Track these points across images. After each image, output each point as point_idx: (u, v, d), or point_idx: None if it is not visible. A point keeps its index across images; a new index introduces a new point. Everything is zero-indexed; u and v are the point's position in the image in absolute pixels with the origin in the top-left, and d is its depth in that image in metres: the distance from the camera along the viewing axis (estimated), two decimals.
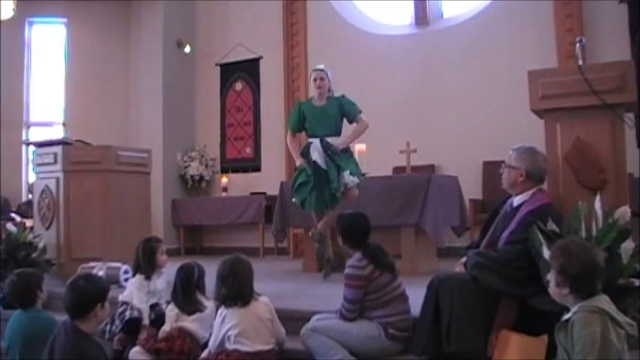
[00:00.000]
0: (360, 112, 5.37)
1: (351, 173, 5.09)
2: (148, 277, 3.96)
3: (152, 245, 4.05)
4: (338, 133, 5.35)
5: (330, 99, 5.38)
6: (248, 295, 3.35)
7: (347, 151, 5.30)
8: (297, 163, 5.29)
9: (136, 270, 4.02)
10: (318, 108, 5.35)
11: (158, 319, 3.81)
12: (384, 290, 3.28)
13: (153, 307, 3.92)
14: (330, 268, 5.26)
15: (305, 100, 5.65)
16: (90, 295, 2.91)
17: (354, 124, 5.45)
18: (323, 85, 5.34)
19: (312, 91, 5.55)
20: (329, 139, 5.25)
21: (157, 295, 3.99)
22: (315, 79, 5.36)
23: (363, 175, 5.24)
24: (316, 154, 5.19)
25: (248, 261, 3.46)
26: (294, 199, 5.36)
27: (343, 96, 5.41)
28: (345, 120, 5.43)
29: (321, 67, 5.48)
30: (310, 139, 5.35)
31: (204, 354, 3.46)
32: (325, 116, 5.30)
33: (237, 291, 3.32)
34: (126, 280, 4.73)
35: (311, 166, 5.18)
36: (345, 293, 3.32)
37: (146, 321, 3.81)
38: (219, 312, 3.38)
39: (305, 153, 5.31)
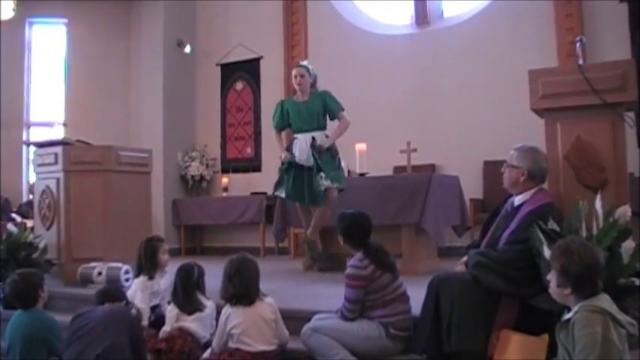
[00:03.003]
0: (343, 109, 5.43)
1: (327, 177, 5.17)
2: (151, 278, 3.95)
3: (154, 244, 4.05)
4: (322, 128, 5.43)
5: (314, 94, 5.45)
6: (254, 295, 3.36)
7: (330, 151, 5.36)
8: (282, 156, 5.42)
9: (139, 270, 4.01)
10: (301, 104, 5.44)
11: (158, 321, 3.81)
12: (385, 290, 3.28)
13: (153, 308, 3.92)
14: (322, 260, 5.43)
15: (287, 98, 5.71)
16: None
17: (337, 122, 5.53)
18: (303, 82, 5.43)
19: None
20: (315, 135, 5.33)
21: (159, 295, 3.99)
22: (295, 76, 5.46)
23: (348, 174, 5.30)
24: (298, 152, 5.32)
25: (255, 261, 3.48)
26: (276, 193, 5.53)
27: (327, 92, 5.48)
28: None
29: (304, 63, 5.62)
30: (296, 135, 5.45)
31: (206, 353, 3.47)
32: (308, 112, 5.39)
33: (243, 290, 3.34)
34: (126, 280, 4.73)
35: (294, 160, 5.33)
36: (346, 293, 3.32)
37: (145, 322, 3.80)
38: (224, 310, 3.39)
39: (290, 148, 5.46)
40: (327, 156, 5.32)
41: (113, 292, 3.69)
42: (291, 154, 5.40)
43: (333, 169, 5.28)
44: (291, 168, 5.35)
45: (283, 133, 5.87)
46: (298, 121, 5.41)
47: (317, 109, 5.36)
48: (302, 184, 5.28)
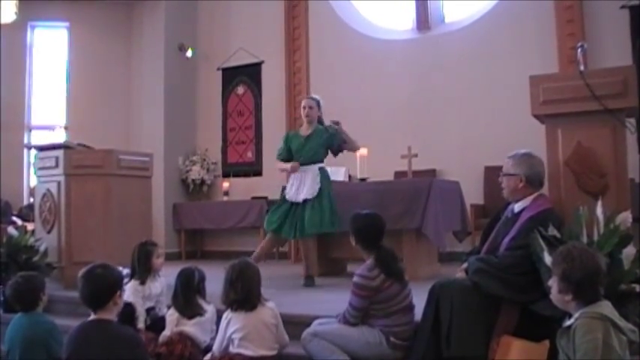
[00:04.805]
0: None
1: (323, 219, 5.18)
2: (142, 282, 3.95)
3: (148, 249, 4.04)
4: (317, 161, 5.40)
5: (317, 130, 5.44)
6: (255, 300, 3.36)
7: (327, 191, 5.32)
8: (290, 166, 5.40)
9: (132, 274, 4.01)
10: (303, 138, 5.44)
11: (153, 324, 3.81)
12: (391, 301, 3.26)
13: (147, 311, 3.92)
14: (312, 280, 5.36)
15: (293, 131, 5.75)
16: (109, 282, 2.84)
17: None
18: (311, 114, 5.44)
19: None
20: (307, 169, 5.33)
21: (152, 299, 3.98)
22: (304, 107, 5.47)
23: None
24: (295, 188, 5.32)
25: (256, 266, 3.48)
26: (265, 224, 5.44)
27: (337, 130, 5.39)
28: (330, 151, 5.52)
29: (315, 96, 5.64)
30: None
31: (207, 357, 3.46)
32: (308, 147, 5.39)
33: (245, 295, 3.33)
34: (126, 284, 4.72)
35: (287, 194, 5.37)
36: (351, 300, 3.30)
37: (141, 325, 3.80)
38: (225, 315, 3.39)
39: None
40: (325, 195, 5.28)
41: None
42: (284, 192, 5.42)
43: (329, 211, 5.24)
44: (283, 203, 5.38)
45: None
46: (296, 155, 5.43)
47: (318, 143, 5.38)
48: (293, 216, 5.25)
